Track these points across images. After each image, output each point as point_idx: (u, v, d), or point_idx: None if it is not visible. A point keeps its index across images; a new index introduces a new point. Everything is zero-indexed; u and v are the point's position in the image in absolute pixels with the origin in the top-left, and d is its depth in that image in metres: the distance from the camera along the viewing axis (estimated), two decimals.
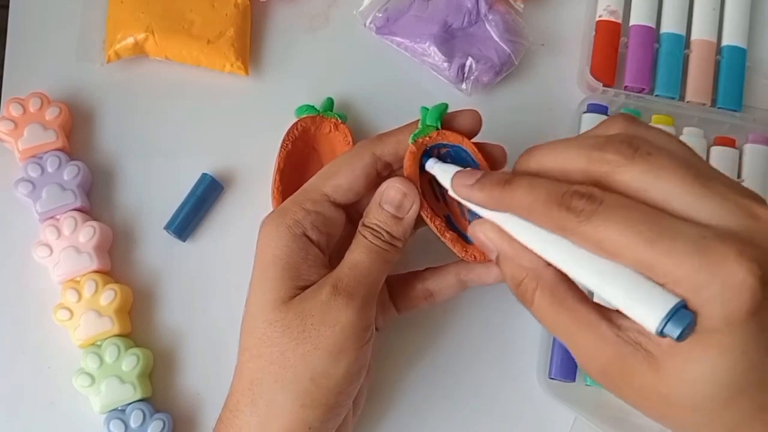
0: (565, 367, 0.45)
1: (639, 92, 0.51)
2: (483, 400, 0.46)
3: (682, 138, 0.49)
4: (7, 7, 0.50)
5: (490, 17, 0.50)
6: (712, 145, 0.50)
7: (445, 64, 0.49)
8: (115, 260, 0.47)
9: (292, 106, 0.48)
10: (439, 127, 0.39)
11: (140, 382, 0.43)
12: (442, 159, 0.40)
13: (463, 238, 0.39)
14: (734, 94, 0.51)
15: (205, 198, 0.47)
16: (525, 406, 0.47)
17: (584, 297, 0.33)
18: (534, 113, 0.51)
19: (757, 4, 0.53)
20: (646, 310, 0.29)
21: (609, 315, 0.32)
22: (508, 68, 0.50)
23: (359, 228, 0.39)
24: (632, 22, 0.51)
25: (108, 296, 0.44)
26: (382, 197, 0.38)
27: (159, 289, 0.47)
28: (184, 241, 0.47)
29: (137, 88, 0.49)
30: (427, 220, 0.39)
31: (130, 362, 0.43)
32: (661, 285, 0.29)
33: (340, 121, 0.47)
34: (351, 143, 0.47)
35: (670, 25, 0.51)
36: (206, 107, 0.50)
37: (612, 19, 0.51)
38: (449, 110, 0.40)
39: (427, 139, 0.39)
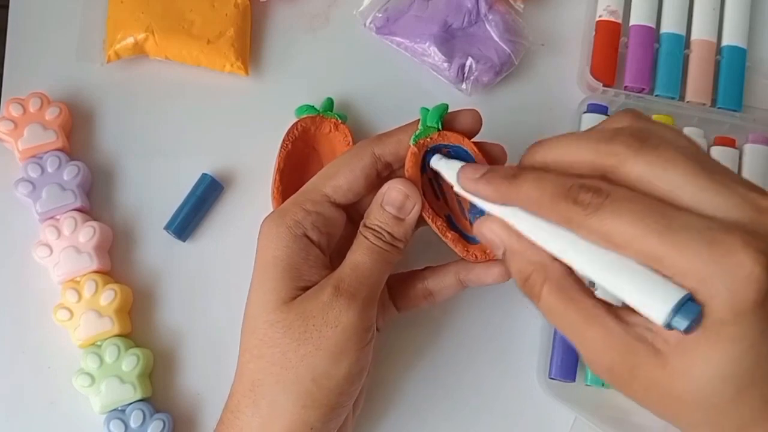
0: (565, 367, 0.46)
1: (639, 92, 0.51)
2: (483, 400, 0.47)
3: None
4: (7, 7, 0.50)
5: (490, 17, 0.50)
6: (712, 145, 0.50)
7: (445, 64, 0.49)
8: (115, 260, 0.47)
9: (292, 106, 0.48)
10: (440, 127, 0.39)
11: (140, 382, 0.43)
12: None
13: (464, 238, 0.39)
14: (734, 94, 0.51)
15: (205, 198, 0.47)
16: (525, 406, 0.47)
17: (591, 293, 0.33)
18: (534, 113, 0.51)
19: (757, 4, 0.53)
20: (653, 302, 0.29)
21: (616, 311, 0.32)
22: (508, 68, 0.50)
23: (360, 229, 0.39)
24: (632, 22, 0.51)
25: (108, 296, 0.44)
26: (383, 198, 0.38)
27: (159, 289, 0.47)
28: (184, 241, 0.47)
29: (137, 88, 0.49)
30: (429, 221, 0.39)
31: (130, 362, 0.43)
32: (668, 277, 0.29)
33: (340, 121, 0.47)
34: (351, 143, 0.47)
35: (670, 25, 0.51)
36: (206, 107, 0.50)
37: (612, 19, 0.51)
38: (449, 110, 0.40)
39: (429, 140, 0.39)
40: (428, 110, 0.39)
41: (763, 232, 0.28)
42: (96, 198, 0.47)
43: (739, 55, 0.52)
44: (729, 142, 0.50)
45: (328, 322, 0.36)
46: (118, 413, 0.43)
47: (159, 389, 0.45)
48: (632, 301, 0.30)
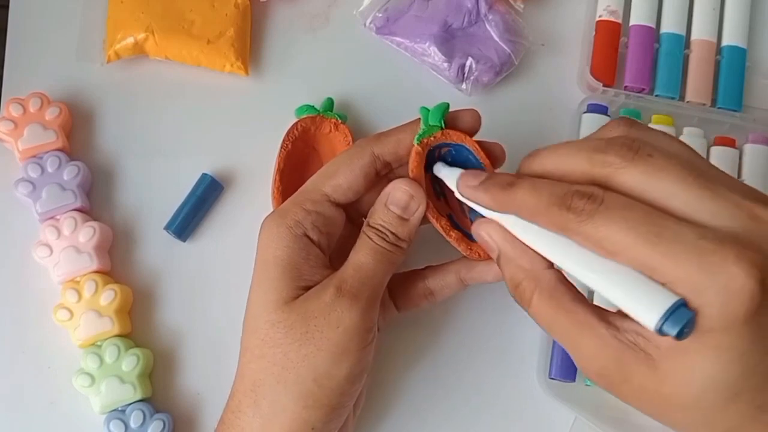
0: (565, 367, 0.45)
1: (639, 92, 0.51)
2: (483, 400, 0.46)
3: (682, 138, 0.49)
4: (7, 7, 0.50)
5: (490, 17, 0.50)
6: (712, 145, 0.50)
7: (445, 64, 0.49)
8: (115, 260, 0.47)
9: (292, 106, 0.48)
10: (443, 126, 0.39)
11: (140, 382, 0.43)
12: (444, 158, 0.40)
13: (467, 237, 0.39)
14: (734, 94, 0.51)
15: (205, 198, 0.47)
16: (525, 406, 0.47)
17: (583, 299, 0.33)
18: (534, 113, 0.51)
19: (757, 4, 0.53)
20: (646, 307, 0.29)
21: (607, 317, 0.32)
22: (508, 68, 0.50)
23: (364, 228, 0.39)
24: (632, 22, 0.51)
25: (108, 296, 0.44)
26: (388, 198, 0.38)
27: (159, 289, 0.47)
28: (184, 241, 0.47)
29: (137, 88, 0.49)
30: (433, 221, 0.39)
31: (130, 362, 0.43)
32: (662, 284, 0.29)
33: (340, 121, 0.47)
34: (351, 143, 0.47)
35: (670, 25, 0.51)
36: (206, 107, 0.50)
37: (612, 19, 0.51)
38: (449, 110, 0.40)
39: (432, 139, 0.39)
40: (428, 110, 0.39)
41: (757, 241, 0.28)
42: (96, 198, 0.47)
43: (739, 55, 0.52)
44: (729, 142, 0.50)
45: (330, 322, 0.36)
46: (118, 413, 0.43)
47: (159, 389, 0.45)
48: (625, 307, 0.30)
